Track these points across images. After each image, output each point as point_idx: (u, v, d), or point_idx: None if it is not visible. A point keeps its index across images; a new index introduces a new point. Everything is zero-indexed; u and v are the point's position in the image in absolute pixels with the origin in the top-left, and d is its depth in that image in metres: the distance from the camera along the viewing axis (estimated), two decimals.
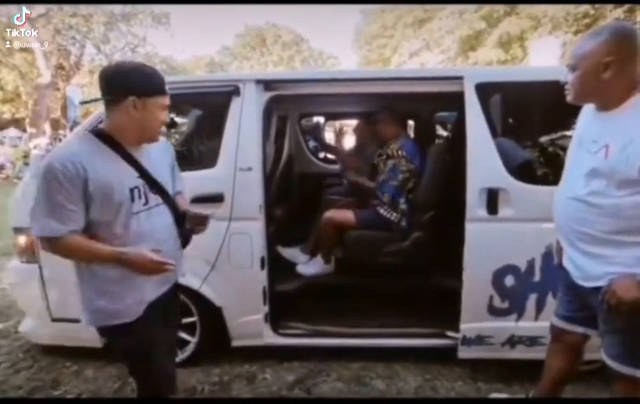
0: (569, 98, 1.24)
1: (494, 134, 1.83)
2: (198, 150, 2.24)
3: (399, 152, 2.33)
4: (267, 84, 1.97)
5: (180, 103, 2.20)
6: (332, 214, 2.43)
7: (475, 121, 1.80)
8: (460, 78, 1.85)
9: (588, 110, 1.29)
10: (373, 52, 22.99)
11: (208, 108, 2.38)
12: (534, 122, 2.11)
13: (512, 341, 1.87)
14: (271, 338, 2.04)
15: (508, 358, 1.92)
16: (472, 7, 15.93)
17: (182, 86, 2.13)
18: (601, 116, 1.20)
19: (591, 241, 1.20)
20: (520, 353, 1.88)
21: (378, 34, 22.49)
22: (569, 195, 1.25)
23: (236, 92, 1.92)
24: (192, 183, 1.91)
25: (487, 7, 15.56)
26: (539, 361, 1.57)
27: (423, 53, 18.29)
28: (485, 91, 1.84)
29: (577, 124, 1.35)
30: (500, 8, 15.41)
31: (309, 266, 2.54)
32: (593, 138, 1.20)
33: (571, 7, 12.41)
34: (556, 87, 1.78)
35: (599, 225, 1.17)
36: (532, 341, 1.84)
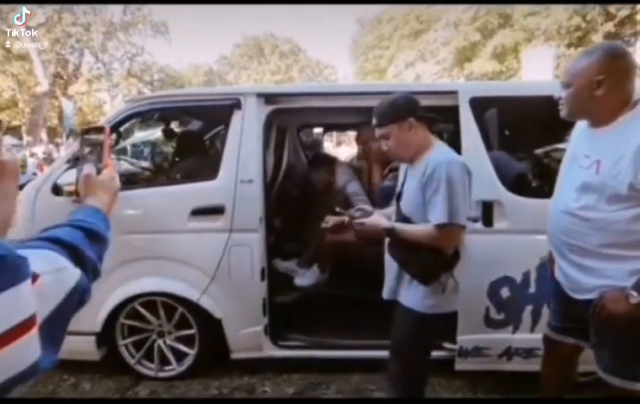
0: (563, 114, 1.28)
1: (488, 147, 1.87)
2: (199, 162, 2.26)
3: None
4: (268, 97, 2.01)
5: (182, 115, 2.25)
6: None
7: (469, 135, 1.84)
8: (454, 93, 1.90)
9: (581, 126, 1.33)
10: (369, 62, 23.32)
11: (209, 121, 2.42)
12: (528, 136, 2.16)
13: (509, 352, 1.89)
14: (271, 350, 2.05)
15: (505, 370, 1.94)
16: (468, 18, 16.24)
17: (184, 99, 2.17)
18: (594, 132, 1.24)
19: (582, 253, 1.22)
20: (516, 364, 1.90)
21: (374, 44, 22.84)
22: (561, 208, 1.28)
23: (237, 105, 1.96)
24: (193, 194, 1.96)
25: (481, 19, 15.88)
26: (538, 373, 1.58)
27: (418, 64, 18.58)
28: (479, 105, 1.89)
29: (570, 140, 1.38)
30: (494, 20, 15.74)
31: (305, 277, 2.55)
32: (585, 153, 1.23)
33: (563, 21, 12.71)
34: (549, 102, 1.85)
35: (589, 238, 1.20)
36: (528, 352, 1.86)
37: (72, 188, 0.76)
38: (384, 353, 2.03)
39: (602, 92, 1.15)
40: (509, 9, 15.08)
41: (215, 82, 28.50)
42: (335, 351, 2.08)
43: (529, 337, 1.85)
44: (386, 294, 1.53)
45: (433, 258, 1.31)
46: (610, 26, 12.10)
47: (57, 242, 0.55)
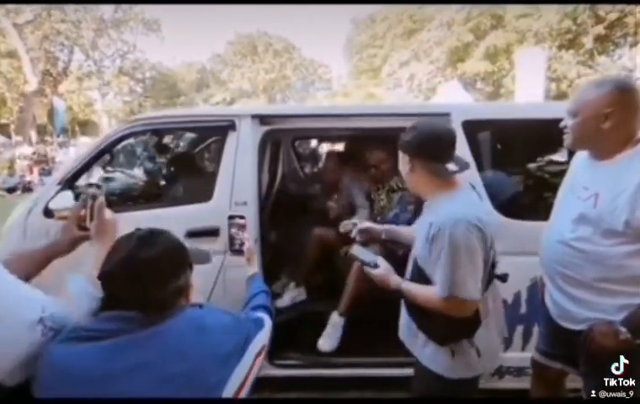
0: (567, 143, 1.28)
1: (481, 170, 1.90)
2: (194, 183, 2.25)
3: (402, 184, 2.34)
4: (262, 119, 2.01)
5: (177, 137, 2.24)
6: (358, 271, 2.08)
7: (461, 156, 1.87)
8: (447, 115, 1.92)
9: (581, 156, 1.33)
10: (364, 61, 23.30)
11: (204, 142, 2.41)
12: (520, 158, 2.19)
13: (500, 371, 1.93)
14: (267, 369, 2.05)
15: (497, 389, 1.98)
16: (461, 19, 16.32)
17: (179, 120, 2.16)
18: (595, 164, 1.24)
19: (575, 284, 1.24)
20: (507, 382, 1.94)
21: (368, 43, 22.82)
22: (557, 238, 1.29)
23: (232, 127, 1.96)
24: (188, 216, 1.95)
25: (474, 20, 15.97)
26: (529, 389, 1.62)
27: (412, 63, 18.62)
28: (472, 128, 1.92)
29: (570, 169, 1.39)
30: (487, 22, 15.84)
31: (329, 339, 2.16)
32: (584, 185, 1.24)
33: (554, 23, 12.85)
34: (541, 125, 1.89)
35: (583, 271, 1.21)
36: (519, 371, 1.90)
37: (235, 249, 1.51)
38: (381, 372, 2.07)
39: (609, 125, 1.15)
40: (501, 11, 15.19)
41: (208, 80, 28.25)
42: (332, 369, 2.09)
43: (520, 355, 1.89)
44: (401, 335, 1.44)
45: (447, 322, 1.17)
46: (600, 29, 12.27)
47: (266, 309, 1.13)
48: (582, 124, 1.21)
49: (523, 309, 1.87)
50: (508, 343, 1.90)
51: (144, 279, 0.82)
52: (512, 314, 1.87)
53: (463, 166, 1.24)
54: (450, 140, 1.24)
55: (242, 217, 1.49)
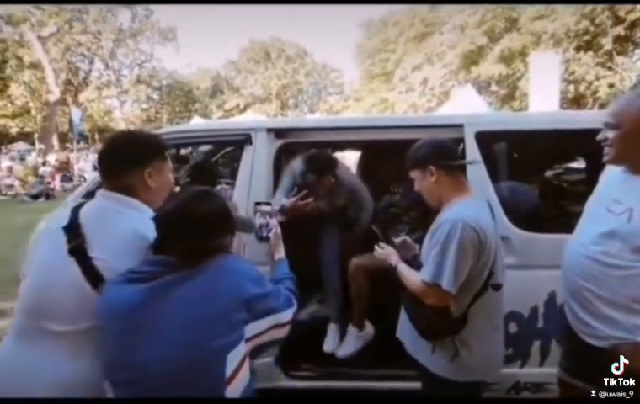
0: (608, 158, 1.23)
1: (496, 182, 1.88)
2: None
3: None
4: (278, 132, 2.05)
5: (194, 149, 2.31)
6: None
7: (475, 169, 1.85)
8: (460, 126, 1.91)
9: (613, 169, 1.28)
10: (376, 66, 23.27)
11: (222, 155, 2.47)
12: (535, 170, 2.17)
13: (517, 387, 1.90)
14: (282, 381, 2.05)
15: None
16: (474, 22, 16.15)
17: (196, 134, 2.22)
18: (631, 178, 1.20)
19: (599, 300, 1.20)
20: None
21: (380, 48, 22.81)
22: (582, 251, 1.25)
23: (248, 140, 2.01)
24: None
25: (488, 23, 15.77)
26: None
27: (425, 67, 18.49)
28: (485, 139, 1.90)
29: (600, 180, 1.36)
30: (501, 24, 15.63)
31: (345, 345, 2.12)
32: (616, 198, 1.20)
33: (571, 24, 12.56)
34: (557, 135, 1.86)
35: (608, 287, 1.17)
36: (537, 387, 1.87)
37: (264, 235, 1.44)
38: (394, 385, 2.04)
39: None
40: (515, 13, 14.96)
41: (222, 86, 28.77)
42: (349, 381, 2.06)
43: (537, 371, 1.85)
44: (399, 333, 1.53)
45: (433, 316, 1.25)
46: (619, 30, 11.92)
47: (294, 294, 1.09)
48: (625, 136, 1.16)
49: (540, 323, 1.83)
50: (525, 359, 1.88)
51: (187, 230, 0.91)
52: (529, 329, 1.84)
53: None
54: (452, 142, 1.41)
55: (268, 204, 1.49)
